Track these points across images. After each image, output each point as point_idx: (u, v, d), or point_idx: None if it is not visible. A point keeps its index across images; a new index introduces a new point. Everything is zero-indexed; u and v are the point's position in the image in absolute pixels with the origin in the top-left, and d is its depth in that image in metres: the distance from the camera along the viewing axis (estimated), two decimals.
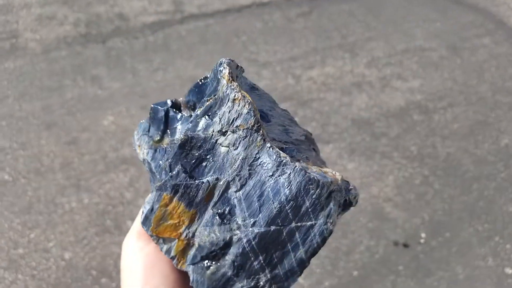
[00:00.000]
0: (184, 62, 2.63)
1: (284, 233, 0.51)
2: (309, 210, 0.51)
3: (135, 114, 2.30)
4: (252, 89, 0.59)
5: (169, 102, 0.56)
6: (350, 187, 0.53)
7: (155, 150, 0.56)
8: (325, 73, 2.60)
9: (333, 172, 0.52)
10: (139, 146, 0.59)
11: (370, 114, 2.38)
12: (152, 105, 0.57)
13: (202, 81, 0.56)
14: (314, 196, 0.50)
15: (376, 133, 2.29)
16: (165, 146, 0.56)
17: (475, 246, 1.90)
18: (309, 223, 0.51)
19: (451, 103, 2.46)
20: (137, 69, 2.56)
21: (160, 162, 0.56)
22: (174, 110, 0.56)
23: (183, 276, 0.55)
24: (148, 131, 0.58)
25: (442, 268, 1.84)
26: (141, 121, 0.58)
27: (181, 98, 0.57)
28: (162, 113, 0.56)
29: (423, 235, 1.92)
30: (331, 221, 0.51)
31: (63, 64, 2.56)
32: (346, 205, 0.54)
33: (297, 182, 0.50)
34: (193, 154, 0.53)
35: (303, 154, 0.55)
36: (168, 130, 0.56)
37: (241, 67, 0.56)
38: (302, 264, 0.52)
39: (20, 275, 1.74)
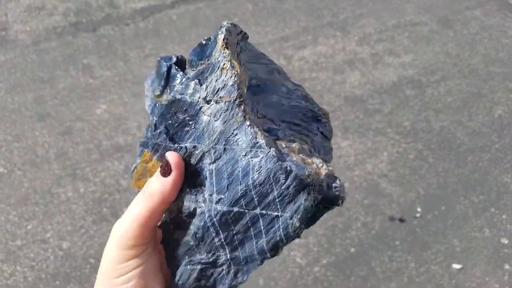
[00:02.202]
0: (175, 46, 2.62)
1: (248, 217, 0.49)
2: (277, 200, 0.48)
3: (127, 101, 2.30)
4: (258, 58, 0.56)
5: (174, 58, 0.55)
6: (335, 184, 0.49)
7: (155, 105, 0.55)
8: (317, 52, 2.59)
9: (319, 165, 0.49)
10: (146, 97, 0.58)
11: (363, 91, 2.38)
12: (159, 58, 0.55)
13: (204, 41, 0.54)
14: (283, 187, 0.47)
15: (370, 110, 2.28)
16: (163, 102, 0.54)
17: (471, 218, 1.91)
18: (275, 213, 0.49)
19: (444, 77, 2.46)
20: (129, 56, 2.55)
21: (154, 118, 0.55)
22: (177, 67, 0.54)
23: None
24: (152, 84, 0.57)
25: (439, 241, 1.85)
26: (151, 72, 0.57)
27: (187, 57, 0.55)
28: (164, 69, 0.54)
29: (418, 209, 1.93)
30: (299, 217, 0.48)
31: (54, 55, 2.55)
32: (326, 203, 0.49)
33: (268, 168, 0.47)
34: (178, 117, 0.52)
35: (298, 137, 0.52)
36: (168, 87, 0.54)
37: (245, 33, 0.54)
38: (263, 254, 0.50)
39: (18, 266, 1.75)
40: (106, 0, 2.93)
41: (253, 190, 0.48)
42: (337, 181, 0.48)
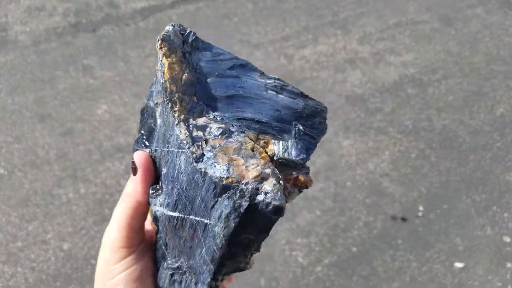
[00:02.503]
0: None
1: (188, 224, 0.46)
2: (202, 205, 0.44)
3: (128, 102, 2.29)
4: (216, 55, 0.52)
5: None
6: (266, 189, 0.41)
7: None
8: (317, 51, 2.59)
9: (249, 166, 0.42)
10: None
11: (364, 90, 2.37)
12: None
13: None
14: (203, 190, 0.43)
15: (371, 109, 2.28)
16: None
17: (473, 217, 1.90)
18: (205, 220, 0.44)
19: (445, 75, 2.45)
20: (129, 56, 2.55)
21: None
22: None
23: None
24: None
25: (441, 240, 1.84)
26: None
27: None
28: None
29: (420, 208, 1.92)
30: (221, 226, 0.42)
31: (54, 55, 2.55)
32: (257, 211, 0.41)
33: (188, 170, 0.44)
34: (148, 122, 0.52)
35: (255, 135, 0.46)
36: None
37: (191, 32, 0.52)
38: (207, 265, 0.45)
39: (19, 268, 1.75)
40: (105, 0, 2.92)
41: (183, 194, 0.46)
42: (268, 186, 0.41)
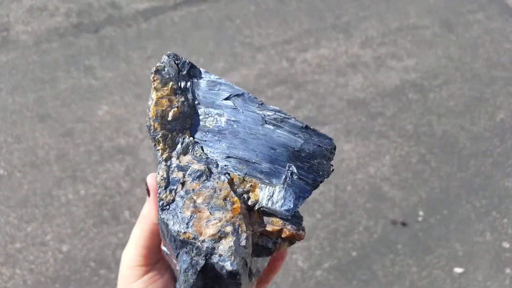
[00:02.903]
0: (178, 48, 2.61)
1: (175, 258, 0.44)
2: (173, 251, 0.42)
3: (129, 103, 2.29)
4: (213, 85, 0.49)
5: None
6: (220, 251, 0.39)
7: None
8: (319, 55, 2.58)
9: (210, 222, 0.40)
10: None
11: (366, 94, 2.37)
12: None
13: None
14: (168, 239, 0.42)
15: (372, 113, 2.28)
16: None
17: (473, 222, 1.90)
18: (177, 266, 0.42)
19: (446, 81, 2.45)
20: (131, 57, 2.54)
21: None
22: None
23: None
24: None
25: (441, 245, 1.84)
26: None
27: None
28: None
29: (421, 213, 1.92)
30: (183, 279, 0.40)
31: (55, 56, 2.54)
32: (213, 271, 0.39)
33: (158, 216, 0.44)
34: None
35: (241, 178, 0.45)
36: None
37: (186, 61, 0.48)
38: None
39: (18, 269, 1.74)
40: (108, 1, 2.92)
41: (163, 234, 0.44)
42: (224, 248, 0.39)
